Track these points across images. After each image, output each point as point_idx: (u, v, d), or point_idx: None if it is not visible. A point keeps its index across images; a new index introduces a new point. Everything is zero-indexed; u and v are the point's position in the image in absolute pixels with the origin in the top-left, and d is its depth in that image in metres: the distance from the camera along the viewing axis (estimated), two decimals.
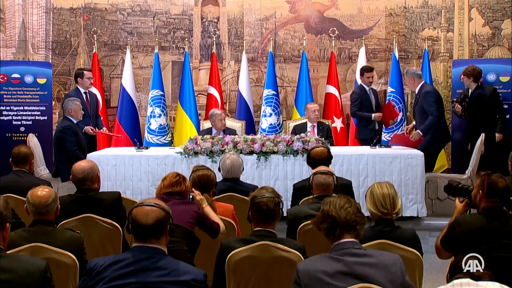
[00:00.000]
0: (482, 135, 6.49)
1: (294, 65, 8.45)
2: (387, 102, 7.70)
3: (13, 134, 7.60)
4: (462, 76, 6.96)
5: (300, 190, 4.57)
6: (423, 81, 6.81)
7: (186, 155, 5.98)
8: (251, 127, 7.91)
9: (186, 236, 3.49)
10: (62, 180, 6.41)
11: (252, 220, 3.23)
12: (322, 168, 4.19)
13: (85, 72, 7.14)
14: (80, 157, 5.99)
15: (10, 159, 4.72)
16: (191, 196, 3.78)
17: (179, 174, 3.73)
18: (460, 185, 3.45)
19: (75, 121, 6.52)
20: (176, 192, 3.62)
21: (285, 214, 3.62)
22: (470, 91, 6.92)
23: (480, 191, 3.17)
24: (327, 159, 4.70)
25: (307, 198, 4.20)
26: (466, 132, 6.93)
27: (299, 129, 7.05)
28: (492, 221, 3.08)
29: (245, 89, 8.07)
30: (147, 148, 6.60)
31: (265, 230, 3.17)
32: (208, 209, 3.80)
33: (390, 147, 6.49)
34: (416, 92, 6.77)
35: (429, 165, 6.59)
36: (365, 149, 6.41)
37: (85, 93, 7.14)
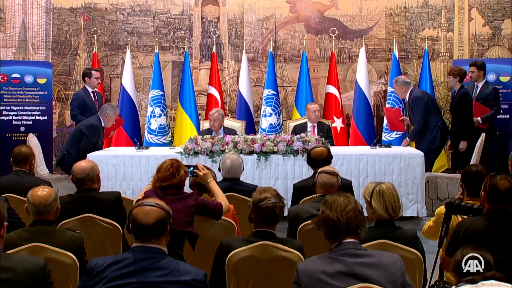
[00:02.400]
0: (483, 135, 6.50)
1: (294, 65, 8.45)
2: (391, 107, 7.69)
3: (13, 134, 7.61)
4: (447, 75, 6.96)
5: (301, 190, 4.57)
6: (412, 87, 6.90)
7: (186, 155, 5.99)
8: (251, 127, 7.91)
9: (181, 239, 3.49)
10: (65, 171, 6.45)
11: (253, 221, 3.22)
12: (327, 168, 4.16)
13: (93, 72, 7.22)
14: (85, 149, 6.33)
15: (11, 159, 4.72)
16: (191, 170, 3.84)
17: (173, 164, 3.65)
18: (462, 203, 3.36)
19: (103, 125, 6.61)
20: (172, 185, 3.60)
21: (285, 214, 3.61)
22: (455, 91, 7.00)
23: (483, 192, 3.14)
24: (327, 159, 4.70)
25: (310, 197, 4.19)
26: (459, 132, 6.90)
27: (299, 129, 7.05)
28: (495, 222, 3.04)
29: (245, 89, 8.07)
30: (147, 148, 6.61)
31: (266, 231, 3.16)
32: (212, 185, 3.84)
33: (390, 147, 6.49)
34: (407, 98, 6.87)
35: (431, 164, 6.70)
36: (365, 149, 6.42)
37: (92, 92, 7.23)
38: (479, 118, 6.78)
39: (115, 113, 6.70)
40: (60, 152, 6.82)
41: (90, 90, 7.19)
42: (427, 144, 6.68)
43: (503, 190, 3.05)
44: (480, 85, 7.00)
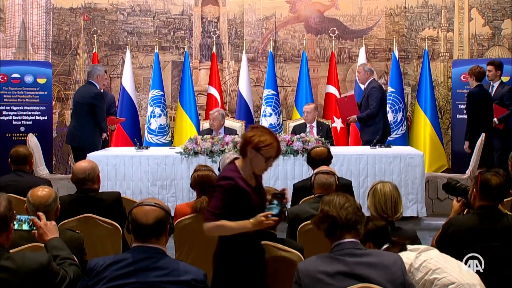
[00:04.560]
0: (482, 135, 6.49)
1: (294, 65, 8.45)
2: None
3: (13, 134, 7.61)
4: (467, 74, 6.97)
5: (300, 190, 4.57)
6: (373, 78, 7.15)
7: (186, 155, 5.99)
8: None
9: None
10: (83, 146, 6.42)
11: None
12: (324, 167, 4.17)
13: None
14: (104, 130, 6.57)
15: (9, 160, 4.69)
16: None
17: None
18: (458, 184, 3.41)
19: (99, 88, 6.63)
20: None
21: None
22: None
23: (474, 189, 3.15)
24: (327, 159, 4.70)
25: (308, 197, 4.20)
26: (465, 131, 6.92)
27: (299, 129, 7.05)
28: (484, 220, 3.05)
29: (245, 89, 8.07)
30: (147, 148, 6.60)
31: (267, 232, 3.16)
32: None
33: (390, 147, 6.49)
34: (365, 86, 7.14)
35: None
36: (365, 149, 6.42)
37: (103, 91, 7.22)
38: (495, 119, 6.77)
39: (105, 71, 6.82)
40: (74, 131, 6.57)
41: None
42: (369, 135, 6.92)
43: (495, 186, 3.08)
44: (496, 85, 6.98)
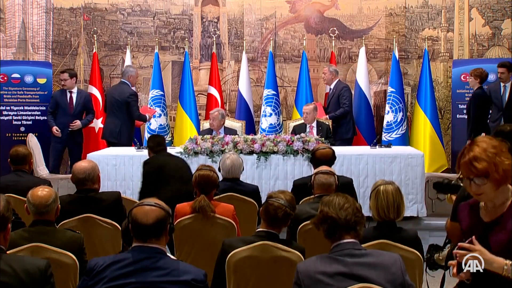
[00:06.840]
0: (482, 135, 6.48)
1: (294, 65, 8.46)
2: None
3: (13, 134, 7.61)
4: (469, 76, 6.98)
5: (301, 187, 4.56)
6: (338, 79, 7.56)
7: (186, 155, 5.98)
8: (251, 127, 7.91)
9: None
10: (121, 142, 6.84)
11: (260, 215, 3.23)
12: (323, 168, 4.17)
13: (60, 74, 7.44)
14: (141, 119, 7.16)
15: (9, 160, 4.69)
16: None
17: None
18: (453, 182, 3.29)
19: (130, 87, 7.12)
20: None
21: None
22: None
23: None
24: (331, 159, 4.70)
25: (308, 198, 4.20)
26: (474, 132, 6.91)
27: (299, 129, 7.04)
28: None
29: (245, 89, 8.08)
30: (147, 148, 6.60)
31: (269, 231, 3.16)
32: None
33: (390, 147, 6.49)
34: (332, 86, 7.49)
35: None
36: (365, 149, 6.42)
37: (69, 92, 7.33)
38: None
39: (136, 71, 7.32)
40: (112, 126, 6.99)
41: (67, 90, 7.36)
42: (342, 134, 7.30)
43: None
44: (508, 85, 6.98)
